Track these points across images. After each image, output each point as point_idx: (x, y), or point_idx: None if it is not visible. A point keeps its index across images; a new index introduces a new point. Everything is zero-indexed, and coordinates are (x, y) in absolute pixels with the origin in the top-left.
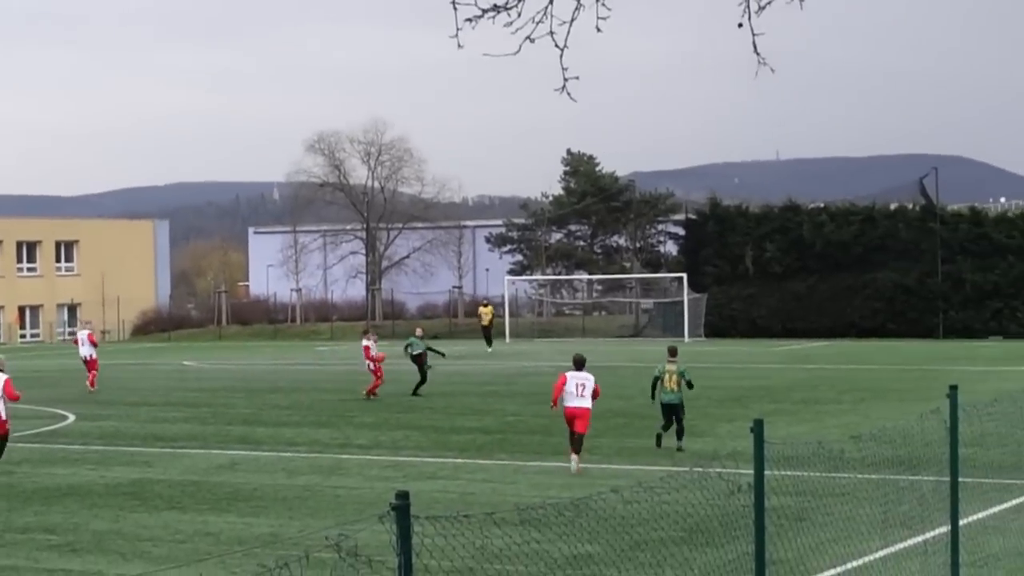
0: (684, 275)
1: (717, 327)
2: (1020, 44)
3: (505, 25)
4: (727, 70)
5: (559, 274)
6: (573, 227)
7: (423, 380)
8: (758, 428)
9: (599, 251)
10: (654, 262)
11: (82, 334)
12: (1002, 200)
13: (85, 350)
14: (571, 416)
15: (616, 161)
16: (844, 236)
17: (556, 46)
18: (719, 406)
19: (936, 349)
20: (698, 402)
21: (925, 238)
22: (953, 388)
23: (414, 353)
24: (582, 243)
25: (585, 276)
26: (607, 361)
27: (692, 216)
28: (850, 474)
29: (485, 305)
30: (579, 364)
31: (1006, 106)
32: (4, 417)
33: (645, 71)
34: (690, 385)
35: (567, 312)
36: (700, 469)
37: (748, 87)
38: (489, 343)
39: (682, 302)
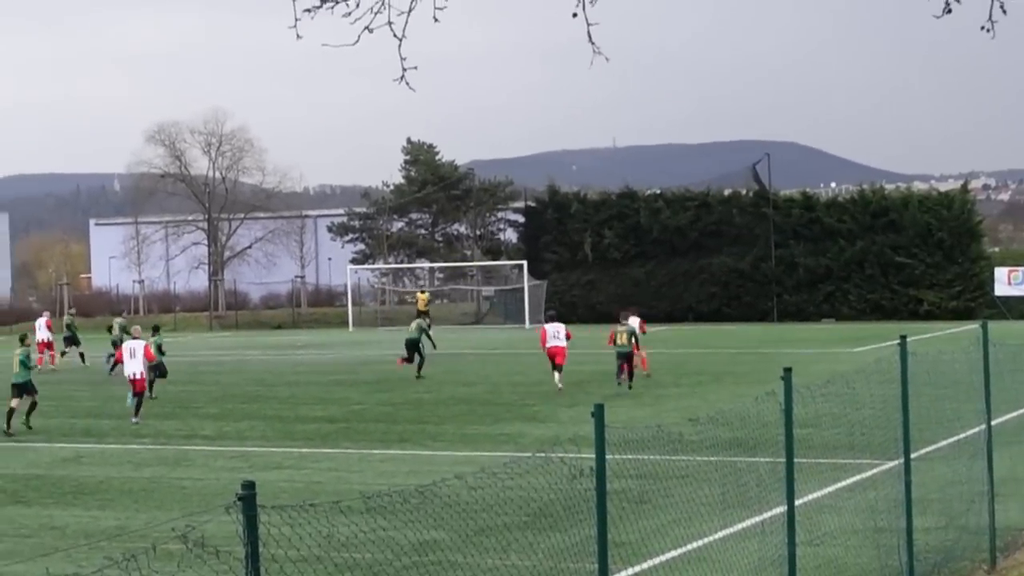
0: (524, 262)
1: (558, 313)
2: (848, 33)
3: (344, 15)
4: (564, 58)
5: (401, 263)
6: (414, 216)
7: (422, 360)
8: (599, 413)
9: (440, 239)
10: (494, 250)
11: (40, 320)
12: (832, 185)
13: (42, 334)
14: (552, 353)
15: (456, 150)
16: (680, 222)
17: (394, 36)
18: (561, 391)
19: (771, 332)
20: (540, 387)
21: (758, 223)
22: (787, 370)
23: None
24: (423, 231)
25: (427, 264)
26: (449, 349)
27: (531, 204)
28: (689, 457)
29: (422, 292)
30: (553, 318)
31: (835, 93)
32: (142, 375)
33: (484, 60)
34: (635, 341)
35: (409, 300)
36: (543, 454)
37: (585, 75)
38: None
39: (523, 289)
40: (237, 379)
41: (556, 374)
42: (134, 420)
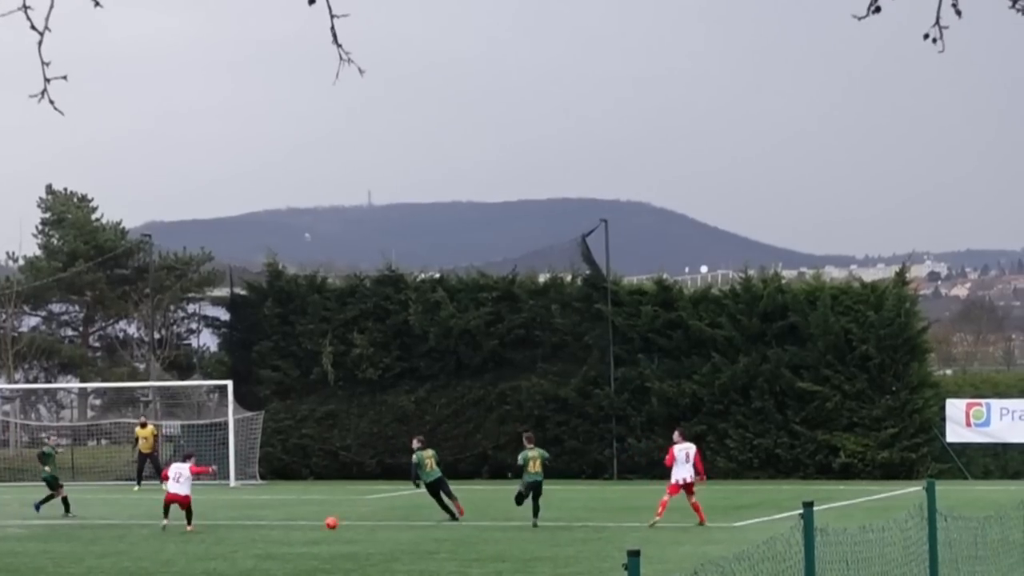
0: (229, 383)
1: (280, 463)
2: (728, 49)
3: None
4: (295, 68)
5: (35, 380)
6: (57, 308)
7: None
8: None
9: (98, 345)
10: (182, 363)
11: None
12: (703, 270)
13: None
14: (169, 501)
15: (124, 206)
16: (471, 323)
17: (32, 28)
18: (192, 529)
19: (607, 496)
20: None
21: (591, 326)
22: (634, 555)
23: (429, 480)
24: (72, 332)
25: (76, 384)
26: (108, 518)
27: (240, 292)
28: None
29: (143, 425)
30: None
31: (710, 135)
32: None
33: (170, 66)
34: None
35: (46, 440)
36: None
37: (328, 95)
38: (140, 480)
39: (226, 424)
40: None
41: (187, 525)
42: None
